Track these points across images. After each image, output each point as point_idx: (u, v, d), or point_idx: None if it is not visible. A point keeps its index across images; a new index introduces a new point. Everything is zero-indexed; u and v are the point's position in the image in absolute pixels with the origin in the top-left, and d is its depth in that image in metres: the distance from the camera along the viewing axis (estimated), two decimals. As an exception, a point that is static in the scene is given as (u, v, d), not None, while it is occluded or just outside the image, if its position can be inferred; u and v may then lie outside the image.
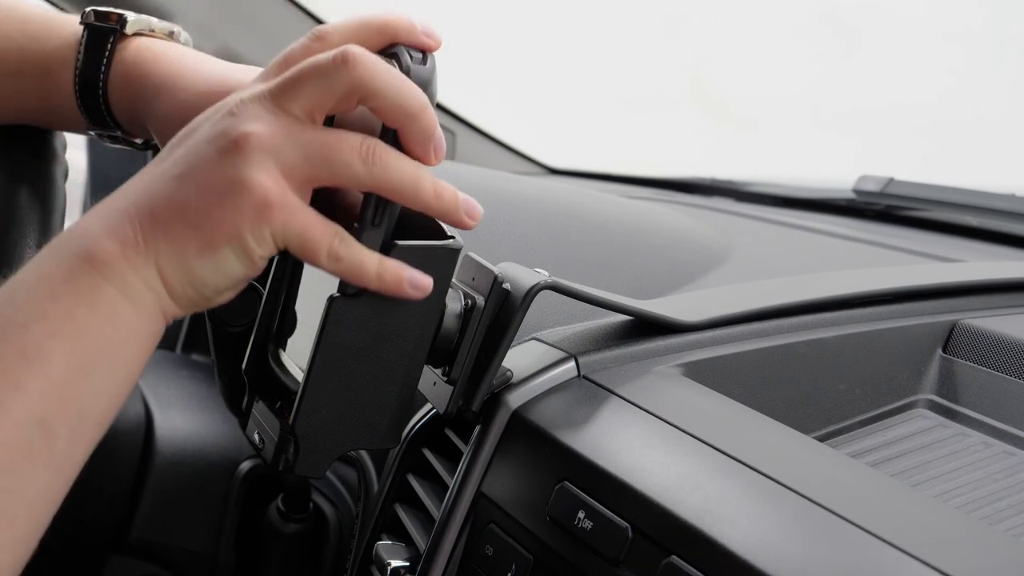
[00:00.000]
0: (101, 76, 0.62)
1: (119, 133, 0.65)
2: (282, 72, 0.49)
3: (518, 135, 1.64)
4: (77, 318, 0.45)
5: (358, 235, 0.50)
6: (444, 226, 0.53)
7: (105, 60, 0.62)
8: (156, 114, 0.60)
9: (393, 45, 0.51)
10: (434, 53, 0.51)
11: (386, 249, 0.51)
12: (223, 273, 0.47)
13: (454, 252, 0.53)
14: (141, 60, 0.62)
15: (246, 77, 0.60)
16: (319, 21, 1.43)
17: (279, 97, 0.47)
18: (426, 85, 0.50)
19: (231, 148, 0.46)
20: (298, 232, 0.47)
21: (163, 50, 0.62)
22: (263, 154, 0.46)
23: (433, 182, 0.50)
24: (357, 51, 0.47)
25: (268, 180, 0.46)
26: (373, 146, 0.48)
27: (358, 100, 0.48)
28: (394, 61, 0.50)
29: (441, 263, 0.52)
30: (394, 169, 0.49)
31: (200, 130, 0.48)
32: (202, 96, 0.59)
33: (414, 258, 0.51)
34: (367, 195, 0.50)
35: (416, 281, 0.51)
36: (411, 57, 0.50)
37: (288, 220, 0.47)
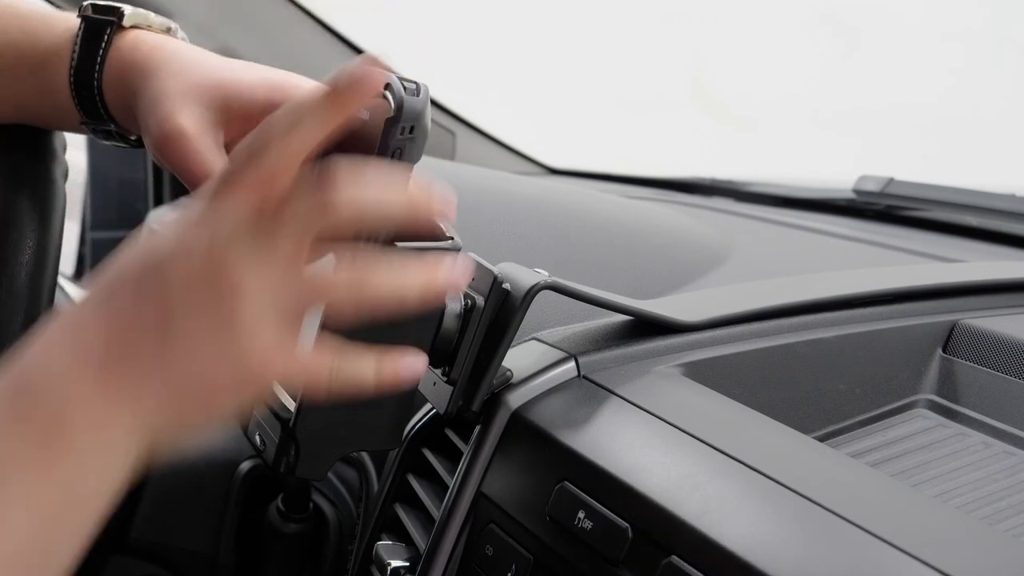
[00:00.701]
0: (96, 68, 0.62)
1: (113, 127, 0.65)
2: (252, 188, 0.45)
3: (518, 135, 1.64)
4: (52, 479, 0.41)
5: None
6: (444, 227, 0.53)
7: (101, 52, 0.62)
8: (142, 100, 0.60)
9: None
10: (425, 84, 0.51)
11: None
12: (211, 427, 0.46)
13: (452, 253, 0.53)
14: (137, 50, 0.62)
15: (238, 74, 0.60)
16: (319, 21, 1.43)
17: (268, 246, 0.44)
18: (418, 117, 0.50)
19: (229, 318, 0.43)
20: (295, 381, 0.47)
21: (160, 43, 0.62)
22: (263, 320, 0.44)
23: (420, 289, 0.47)
24: (344, 197, 0.44)
25: (271, 351, 0.44)
26: (359, 279, 0.46)
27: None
28: (388, 94, 0.50)
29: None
30: (383, 294, 0.46)
31: (179, 269, 0.44)
32: (188, 84, 0.58)
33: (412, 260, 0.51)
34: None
35: (411, 366, 0.49)
36: (404, 88, 0.50)
37: (286, 374, 0.46)
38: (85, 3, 0.63)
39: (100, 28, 0.62)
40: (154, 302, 0.44)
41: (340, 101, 0.45)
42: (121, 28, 0.62)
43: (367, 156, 0.50)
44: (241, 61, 0.62)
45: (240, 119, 0.59)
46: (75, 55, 0.62)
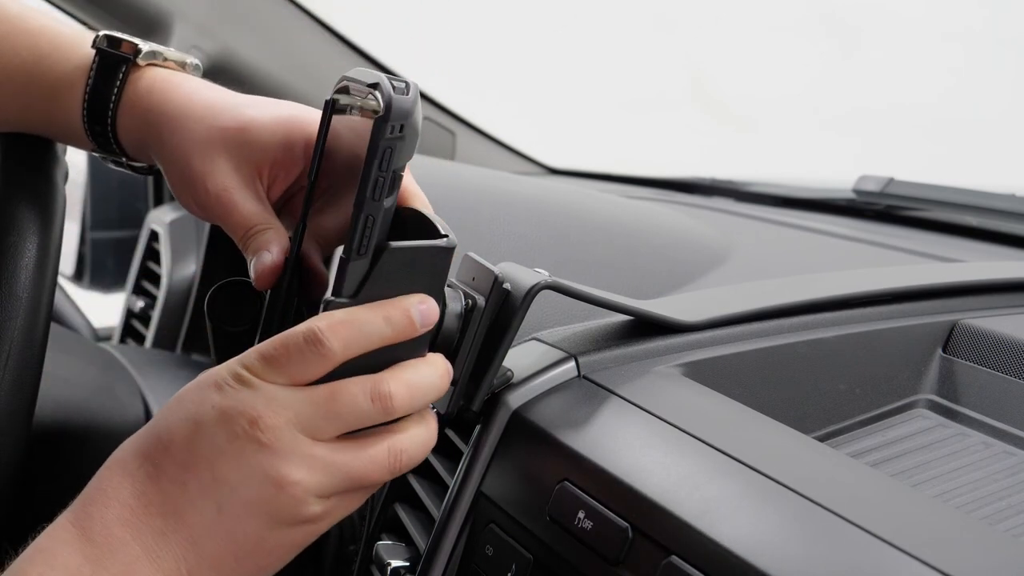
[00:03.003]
0: (111, 105, 0.62)
1: (123, 159, 0.65)
2: (302, 379, 0.49)
3: (518, 135, 1.64)
4: None
5: (344, 264, 0.50)
6: (438, 225, 0.53)
7: (116, 89, 0.61)
8: (165, 148, 0.60)
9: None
10: (416, 83, 0.51)
11: (379, 251, 0.51)
12: None
13: (446, 252, 0.52)
14: (154, 91, 0.61)
15: (257, 113, 0.60)
16: (319, 21, 1.43)
17: (313, 429, 0.49)
18: (407, 116, 0.50)
19: (289, 518, 0.48)
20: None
21: (177, 84, 0.61)
22: (310, 498, 0.49)
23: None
24: (395, 392, 0.50)
25: (323, 524, 0.50)
26: (399, 453, 0.51)
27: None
28: (376, 93, 0.50)
29: (434, 263, 0.52)
30: (417, 455, 0.52)
31: (227, 459, 0.48)
32: (210, 131, 0.59)
33: (406, 259, 0.51)
34: (352, 222, 0.50)
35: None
36: (394, 88, 0.50)
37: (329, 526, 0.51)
38: (100, 33, 0.62)
39: (115, 64, 0.62)
40: (202, 478, 0.48)
41: (402, 334, 0.51)
42: (137, 65, 0.62)
43: (360, 157, 0.50)
44: (255, 98, 0.62)
45: (258, 159, 0.59)
46: (88, 89, 0.62)
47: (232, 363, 0.50)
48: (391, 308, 0.50)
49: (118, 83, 0.61)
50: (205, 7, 1.32)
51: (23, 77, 0.63)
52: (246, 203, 0.58)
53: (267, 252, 0.56)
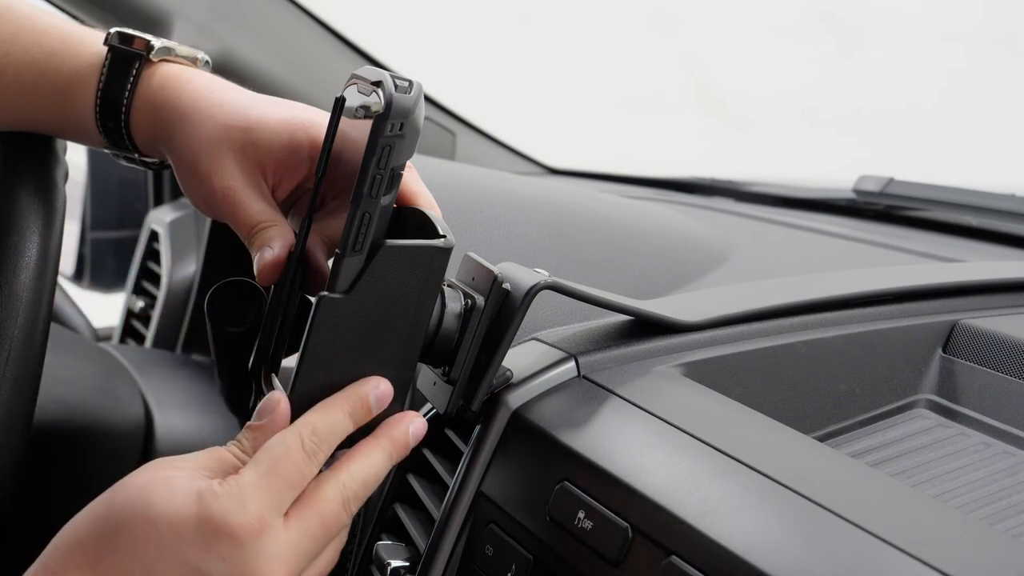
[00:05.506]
0: (125, 101, 0.62)
1: (136, 155, 0.65)
2: (291, 494, 0.49)
3: (518, 135, 1.64)
4: None
5: (339, 260, 0.50)
6: (437, 225, 0.53)
7: (130, 85, 0.62)
8: (175, 143, 0.60)
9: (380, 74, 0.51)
10: (419, 82, 0.51)
11: (375, 249, 0.51)
12: None
13: (443, 252, 0.52)
14: (166, 88, 0.61)
15: (263, 114, 0.60)
16: (319, 21, 1.43)
17: (300, 548, 0.49)
18: (408, 115, 0.50)
19: None
20: None
21: (188, 80, 0.62)
22: None
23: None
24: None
25: None
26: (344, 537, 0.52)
27: None
28: (379, 91, 0.50)
29: (431, 262, 0.52)
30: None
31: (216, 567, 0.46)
32: (218, 129, 0.59)
33: (402, 257, 0.51)
34: (349, 219, 0.50)
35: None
36: (396, 86, 0.50)
37: None
38: (112, 30, 0.62)
39: (128, 60, 0.62)
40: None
41: (360, 423, 0.52)
42: (149, 62, 0.62)
43: (359, 155, 0.50)
44: (264, 97, 0.62)
45: (261, 159, 0.60)
46: (101, 87, 0.62)
47: (230, 485, 0.48)
48: (352, 402, 0.52)
49: (131, 80, 0.62)
50: (205, 7, 1.32)
51: (33, 75, 0.63)
52: (251, 201, 0.59)
53: (270, 248, 0.57)
